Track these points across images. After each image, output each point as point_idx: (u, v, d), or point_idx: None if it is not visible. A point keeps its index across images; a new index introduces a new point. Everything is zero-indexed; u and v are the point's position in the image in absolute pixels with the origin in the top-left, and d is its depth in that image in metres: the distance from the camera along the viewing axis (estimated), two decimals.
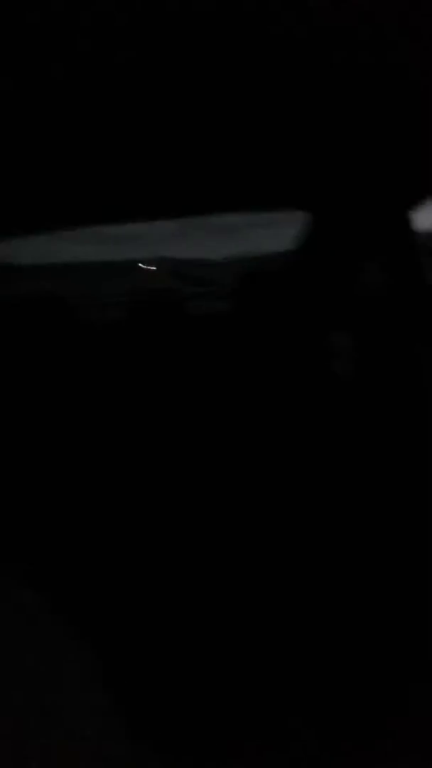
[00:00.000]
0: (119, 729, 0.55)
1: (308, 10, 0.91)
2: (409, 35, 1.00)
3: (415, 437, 1.71)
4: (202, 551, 1.82)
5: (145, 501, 1.91)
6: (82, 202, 1.87)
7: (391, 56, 1.07)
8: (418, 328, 1.85)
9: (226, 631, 1.50)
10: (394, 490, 1.72)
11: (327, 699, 1.29)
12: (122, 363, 2.08)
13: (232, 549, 1.82)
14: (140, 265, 2.92)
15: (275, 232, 2.52)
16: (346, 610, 1.53)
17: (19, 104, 1.11)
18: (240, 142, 1.50)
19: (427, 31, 0.98)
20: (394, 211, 1.90)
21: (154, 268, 2.99)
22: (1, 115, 1.14)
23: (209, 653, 1.44)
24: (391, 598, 1.52)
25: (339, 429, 1.93)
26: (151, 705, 1.26)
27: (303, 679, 1.35)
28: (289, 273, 2.17)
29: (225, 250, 2.90)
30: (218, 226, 2.78)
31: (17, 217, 1.90)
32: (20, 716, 0.50)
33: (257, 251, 2.78)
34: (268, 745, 1.18)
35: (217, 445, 2.01)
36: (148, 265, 3.02)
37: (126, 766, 0.56)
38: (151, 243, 2.88)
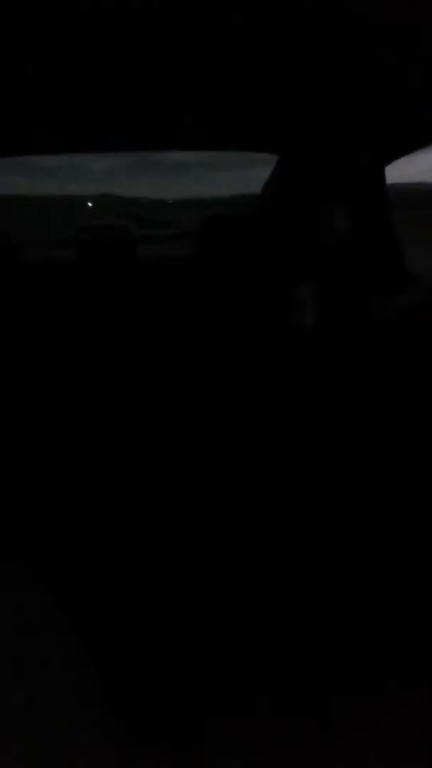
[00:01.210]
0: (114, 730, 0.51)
1: None
2: None
3: (376, 392, 1.70)
4: (159, 510, 1.77)
5: (98, 461, 1.83)
6: (18, 129, 1.69)
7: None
8: (383, 280, 1.83)
9: (223, 628, 1.47)
10: (357, 445, 1.71)
11: (327, 698, 1.27)
12: (67, 309, 1.94)
13: (188, 504, 1.78)
14: (88, 203, 2.72)
15: (234, 175, 2.40)
16: (338, 605, 1.53)
17: None
18: (199, 72, 1.39)
19: None
20: (365, 159, 1.83)
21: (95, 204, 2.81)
22: None
23: (207, 651, 1.41)
24: (386, 593, 1.53)
25: (297, 383, 1.90)
26: (150, 704, 1.22)
27: (302, 679, 1.35)
28: (253, 218, 2.06)
29: (178, 190, 2.74)
30: (170, 165, 2.61)
31: None
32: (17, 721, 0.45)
33: (215, 193, 2.65)
34: (265, 741, 1.16)
35: (170, 399, 1.94)
36: (92, 202, 2.83)
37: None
38: (95, 178, 2.68)
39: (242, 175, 2.38)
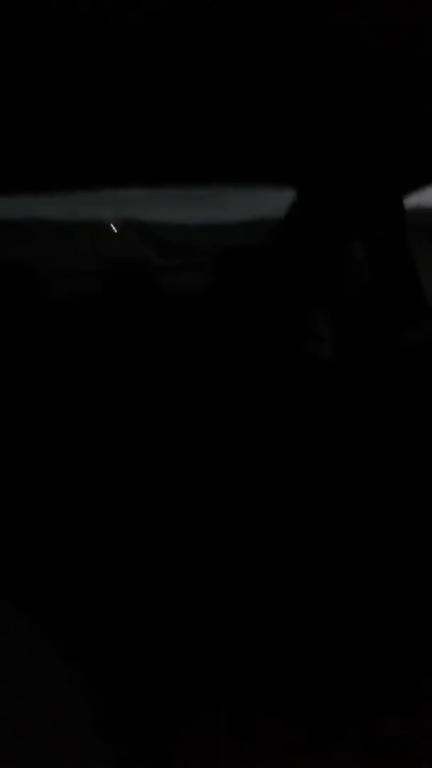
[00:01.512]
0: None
1: None
2: (407, 24, 0.98)
3: (392, 424, 1.69)
4: (165, 523, 1.77)
5: (115, 479, 1.85)
6: (51, 164, 1.73)
7: (389, 39, 1.05)
8: (401, 312, 1.81)
9: (224, 631, 1.47)
10: (370, 473, 1.70)
11: (326, 698, 1.28)
12: (89, 341, 1.97)
13: (196, 522, 1.78)
14: (111, 225, 2.77)
15: (257, 204, 2.42)
16: (339, 607, 1.52)
17: None
18: (225, 109, 1.41)
19: (424, 20, 0.96)
20: (383, 190, 1.83)
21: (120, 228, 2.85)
22: None
23: (208, 653, 1.41)
24: (387, 595, 1.51)
25: (315, 412, 1.89)
26: (150, 705, 1.24)
27: (302, 678, 1.34)
28: (272, 249, 2.08)
29: (203, 218, 2.78)
30: (196, 194, 2.64)
31: None
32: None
33: (236, 220, 2.67)
34: (268, 743, 1.16)
35: (190, 426, 1.95)
36: (115, 226, 2.87)
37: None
38: (120, 205, 2.73)
39: (263, 205, 2.40)
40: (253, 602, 1.53)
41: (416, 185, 1.79)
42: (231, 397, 1.95)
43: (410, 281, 1.79)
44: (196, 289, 2.05)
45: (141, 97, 1.31)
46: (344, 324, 1.91)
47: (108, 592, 1.56)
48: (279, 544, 1.70)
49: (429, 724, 1.18)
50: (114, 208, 2.72)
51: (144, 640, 1.42)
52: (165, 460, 1.89)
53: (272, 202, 2.20)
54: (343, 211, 1.93)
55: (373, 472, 1.66)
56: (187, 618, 1.49)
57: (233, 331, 2.00)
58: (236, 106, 1.39)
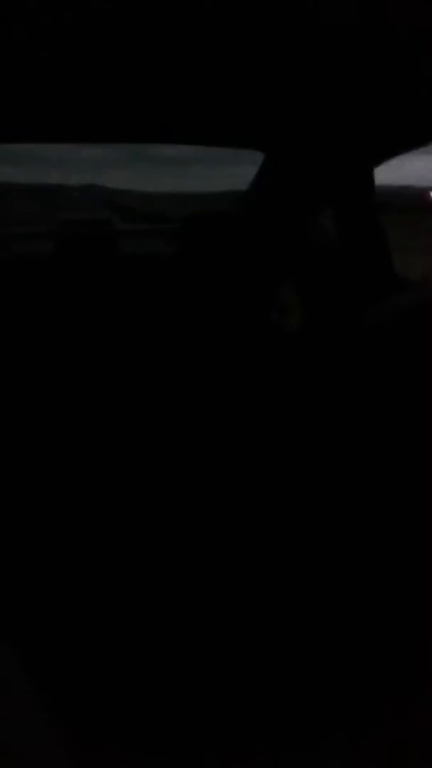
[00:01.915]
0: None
1: None
2: None
3: (359, 397, 1.68)
4: (131, 497, 1.73)
5: (81, 456, 1.79)
6: (4, 117, 1.63)
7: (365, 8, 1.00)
8: (369, 284, 1.80)
9: (219, 631, 1.45)
10: (335, 447, 1.69)
11: (326, 698, 1.26)
12: (45, 304, 1.88)
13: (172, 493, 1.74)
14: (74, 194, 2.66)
15: (223, 171, 2.35)
16: (335, 604, 1.51)
17: None
18: (192, 68, 1.34)
19: None
20: (354, 159, 1.80)
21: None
22: None
23: (206, 655, 1.39)
24: (384, 593, 1.51)
25: (280, 384, 1.86)
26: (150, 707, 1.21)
27: (301, 678, 1.32)
28: (239, 216, 2.02)
29: (166, 184, 2.69)
30: (159, 158, 2.55)
31: None
32: None
33: (203, 189, 2.60)
34: (265, 746, 1.14)
35: (149, 397, 1.89)
36: (76, 193, 2.76)
37: None
38: (81, 168, 2.62)
39: (231, 171, 2.34)
40: (243, 597, 1.49)
41: (387, 155, 1.77)
42: (193, 365, 1.90)
43: (380, 253, 1.77)
44: (161, 254, 1.98)
45: (109, 52, 1.24)
46: (312, 295, 1.88)
47: (98, 588, 1.51)
48: (245, 521, 1.68)
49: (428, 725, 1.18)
50: (73, 172, 2.61)
51: (140, 642, 1.37)
52: (123, 431, 1.84)
53: (239, 171, 2.14)
54: (312, 180, 1.89)
55: (339, 446, 1.65)
56: (181, 619, 1.44)
57: (198, 298, 1.95)
58: (206, 64, 1.33)
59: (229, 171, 2.28)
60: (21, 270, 1.89)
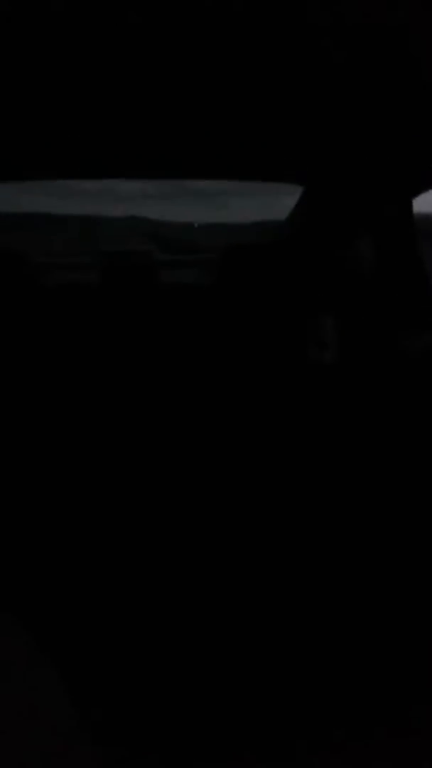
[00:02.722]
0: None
1: None
2: (414, 25, 0.96)
3: (396, 429, 1.65)
4: (166, 517, 1.74)
5: (111, 472, 1.82)
6: (51, 153, 1.71)
7: (397, 40, 1.03)
8: (408, 316, 1.78)
9: (223, 629, 1.45)
10: (372, 479, 1.67)
11: (326, 698, 1.27)
12: (88, 332, 1.93)
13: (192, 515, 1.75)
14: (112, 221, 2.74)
15: (260, 202, 2.38)
16: (340, 604, 1.50)
17: None
18: (231, 106, 1.38)
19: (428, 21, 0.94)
20: (390, 191, 1.81)
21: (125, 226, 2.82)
22: None
23: (208, 653, 1.39)
24: (386, 594, 1.50)
25: (317, 417, 1.85)
26: (150, 706, 1.23)
27: (302, 678, 1.32)
28: (276, 249, 2.04)
29: (207, 216, 2.74)
30: (197, 190, 2.61)
31: None
32: None
33: (240, 220, 2.64)
34: (267, 744, 1.15)
35: (187, 424, 1.91)
36: (120, 224, 2.84)
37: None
38: (123, 201, 2.70)
39: (267, 202, 2.37)
40: (253, 600, 1.51)
41: (424, 186, 1.76)
42: (229, 397, 1.91)
43: (418, 284, 1.75)
44: (199, 285, 2.01)
45: (147, 92, 1.29)
46: (349, 328, 1.88)
47: (103, 586, 1.54)
48: (279, 546, 1.67)
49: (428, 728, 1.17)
50: (116, 204, 2.69)
51: (142, 641, 1.40)
52: (162, 457, 1.86)
53: (277, 202, 2.17)
54: (349, 212, 1.90)
55: (376, 477, 1.63)
56: (185, 618, 1.46)
57: (234, 330, 1.96)
58: (241, 103, 1.37)
59: (266, 202, 2.31)
60: (66, 299, 1.95)
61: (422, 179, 1.74)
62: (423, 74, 1.18)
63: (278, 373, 1.93)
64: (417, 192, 1.80)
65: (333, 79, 1.23)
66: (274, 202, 2.19)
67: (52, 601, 1.42)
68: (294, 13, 0.96)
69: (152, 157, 1.77)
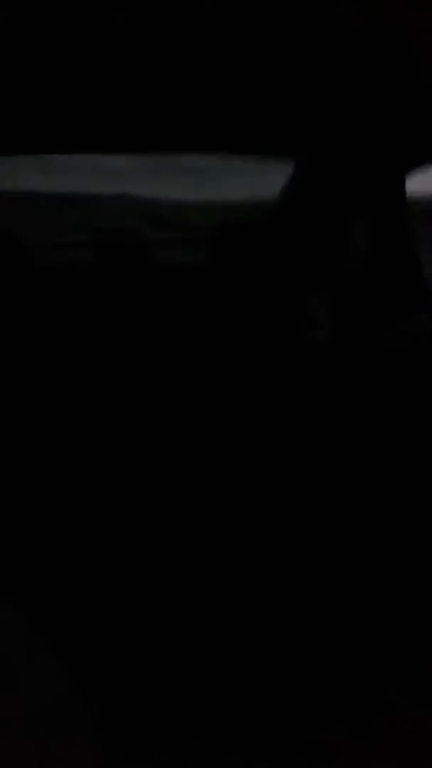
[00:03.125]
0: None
1: None
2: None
3: (389, 412, 1.66)
4: (152, 499, 1.75)
5: (107, 460, 1.81)
6: (39, 128, 1.67)
7: (393, 19, 1.03)
8: (401, 298, 1.78)
9: (222, 628, 1.46)
10: (365, 462, 1.68)
11: (326, 697, 1.27)
12: (80, 310, 1.92)
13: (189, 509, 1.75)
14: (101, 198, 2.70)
15: (253, 180, 2.36)
16: (339, 605, 1.51)
17: None
18: (221, 76, 1.37)
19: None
20: (385, 169, 1.79)
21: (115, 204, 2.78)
22: None
23: (208, 652, 1.40)
24: (386, 594, 1.50)
25: (309, 398, 1.86)
26: (150, 705, 1.24)
27: (301, 678, 1.33)
28: (269, 227, 2.02)
29: (198, 193, 2.70)
30: (190, 168, 2.57)
31: None
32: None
33: (233, 198, 2.61)
34: (266, 745, 1.16)
35: (179, 405, 1.91)
36: (109, 202, 2.80)
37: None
38: (113, 178, 2.65)
39: (258, 179, 2.34)
40: (253, 598, 1.52)
41: (419, 164, 1.75)
42: (223, 376, 1.91)
43: (412, 266, 1.75)
44: (191, 263, 2.00)
45: (137, 63, 1.27)
46: (342, 308, 1.88)
47: (102, 587, 1.54)
48: (272, 533, 1.68)
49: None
50: (105, 181, 2.65)
51: (141, 640, 1.41)
52: (156, 438, 1.86)
53: (269, 180, 2.14)
54: (343, 191, 1.88)
55: (369, 460, 1.64)
56: (184, 618, 1.47)
57: (227, 309, 1.96)
58: (236, 75, 1.35)
59: (258, 180, 2.29)
60: (55, 277, 1.93)
61: (417, 158, 1.73)
62: (416, 53, 1.17)
63: (271, 351, 1.93)
64: (411, 171, 1.79)
65: (326, 55, 1.21)
66: (266, 180, 2.17)
67: (53, 598, 1.42)
68: None
69: (142, 130, 1.74)
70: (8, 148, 1.84)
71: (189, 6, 1.02)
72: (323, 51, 1.21)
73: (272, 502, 1.74)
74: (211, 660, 1.34)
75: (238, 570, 1.59)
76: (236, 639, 1.40)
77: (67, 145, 1.87)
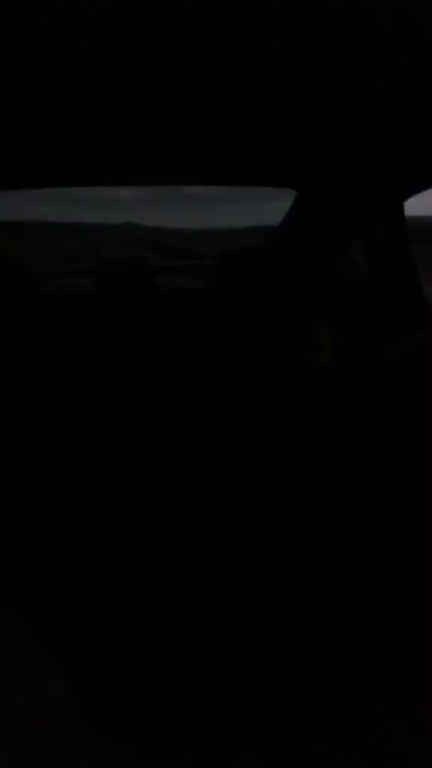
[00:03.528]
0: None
1: None
2: (406, 26, 0.97)
3: (393, 431, 1.67)
4: (158, 526, 1.75)
5: (111, 480, 1.82)
6: (49, 162, 1.73)
7: (389, 45, 1.04)
8: (402, 318, 1.80)
9: (220, 630, 1.46)
10: (370, 481, 1.68)
11: (326, 697, 1.27)
12: (85, 338, 1.95)
13: (189, 528, 1.76)
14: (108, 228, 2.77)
15: (256, 207, 2.41)
16: (339, 608, 1.51)
17: None
18: (223, 111, 1.40)
19: (422, 19, 0.94)
20: (383, 194, 1.83)
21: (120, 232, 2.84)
22: None
23: (206, 652, 1.40)
24: (386, 597, 1.50)
25: (312, 422, 1.87)
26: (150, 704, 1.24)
27: (302, 677, 1.33)
28: (271, 253, 2.06)
29: (201, 221, 2.77)
30: (191, 196, 2.64)
31: None
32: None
33: (234, 225, 2.67)
34: (266, 743, 1.16)
35: (186, 429, 1.92)
36: (114, 231, 2.86)
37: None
38: (119, 208, 2.73)
39: (260, 207, 2.40)
40: (254, 600, 1.53)
41: (416, 189, 1.79)
42: (228, 401, 1.93)
43: (411, 285, 1.78)
44: (195, 290, 2.03)
45: (141, 98, 1.31)
46: (345, 330, 1.90)
47: (103, 591, 1.55)
48: (274, 550, 1.68)
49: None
50: (112, 211, 2.72)
51: (139, 641, 1.41)
52: (161, 462, 1.87)
53: (271, 207, 2.20)
54: (344, 215, 1.92)
55: (373, 479, 1.64)
56: (186, 618, 1.48)
57: (231, 335, 1.98)
58: (236, 108, 1.38)
59: (260, 207, 2.34)
60: (64, 305, 1.97)
61: (415, 182, 1.76)
62: (416, 77, 1.20)
63: (275, 376, 1.94)
64: (409, 194, 1.82)
65: (325, 83, 1.25)
66: (268, 207, 2.22)
67: (54, 603, 1.43)
68: (288, 21, 0.97)
69: (147, 164, 1.79)
70: (17, 181, 1.89)
71: (191, 41, 1.05)
72: (322, 82, 1.24)
73: (278, 521, 1.74)
74: (212, 662, 1.35)
75: (240, 572, 1.59)
76: (237, 641, 1.40)
77: (74, 178, 1.92)
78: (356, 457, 1.74)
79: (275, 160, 1.77)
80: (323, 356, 1.91)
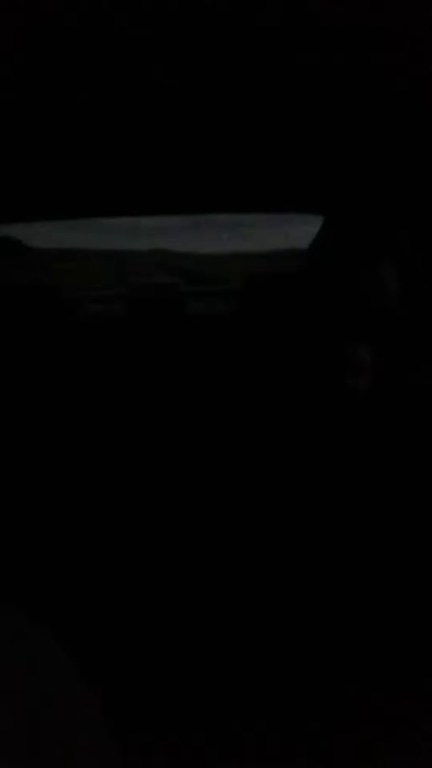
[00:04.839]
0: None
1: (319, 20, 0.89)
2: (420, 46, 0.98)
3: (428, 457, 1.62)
4: (188, 553, 1.74)
5: (139, 500, 1.82)
6: (82, 193, 1.77)
7: (407, 68, 1.06)
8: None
9: (225, 627, 1.47)
10: (402, 509, 1.64)
11: (327, 696, 1.27)
12: (116, 362, 1.96)
13: (226, 552, 1.74)
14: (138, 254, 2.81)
15: (283, 232, 2.42)
16: (345, 608, 1.51)
17: (24, 96, 1.08)
18: (249, 140, 1.42)
19: None
20: (413, 215, 1.81)
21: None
22: (8, 104, 1.11)
23: (210, 649, 1.41)
24: (391, 599, 1.47)
25: (347, 448, 1.83)
26: (151, 703, 1.25)
27: (303, 677, 1.33)
28: (301, 277, 2.06)
29: (232, 246, 2.78)
30: (221, 222, 2.66)
31: (19, 204, 1.79)
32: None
33: (263, 250, 2.67)
34: (269, 741, 1.17)
35: (214, 455, 1.91)
36: (145, 258, 2.90)
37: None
38: (149, 235, 2.76)
39: (288, 232, 2.40)
40: (256, 600, 1.54)
41: None
42: (261, 425, 1.91)
43: None
44: (226, 315, 2.04)
45: (168, 128, 1.33)
46: (383, 353, 1.87)
47: (107, 589, 1.56)
48: (301, 570, 1.66)
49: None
50: (141, 238, 2.76)
51: (143, 642, 1.42)
52: (193, 489, 1.86)
53: (298, 231, 2.19)
54: (372, 237, 1.91)
55: (415, 504, 1.60)
56: (185, 620, 1.48)
57: (264, 361, 1.97)
58: (262, 134, 1.40)
59: (288, 231, 2.35)
60: (97, 331, 1.99)
61: None
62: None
63: (305, 400, 1.92)
64: None
65: (350, 107, 1.25)
66: (296, 231, 2.22)
67: (59, 601, 1.43)
68: (311, 49, 0.98)
69: (174, 194, 1.82)
70: (52, 212, 1.94)
71: (221, 73, 1.07)
72: (346, 109, 1.25)
73: (312, 545, 1.71)
74: (213, 662, 1.35)
75: (243, 573, 1.60)
76: (237, 641, 1.41)
77: (105, 209, 1.96)
78: (398, 480, 1.70)
79: (299, 186, 1.79)
80: (363, 381, 1.87)
